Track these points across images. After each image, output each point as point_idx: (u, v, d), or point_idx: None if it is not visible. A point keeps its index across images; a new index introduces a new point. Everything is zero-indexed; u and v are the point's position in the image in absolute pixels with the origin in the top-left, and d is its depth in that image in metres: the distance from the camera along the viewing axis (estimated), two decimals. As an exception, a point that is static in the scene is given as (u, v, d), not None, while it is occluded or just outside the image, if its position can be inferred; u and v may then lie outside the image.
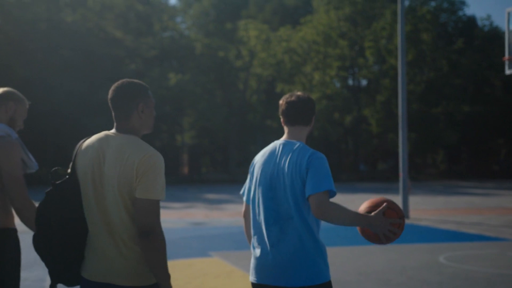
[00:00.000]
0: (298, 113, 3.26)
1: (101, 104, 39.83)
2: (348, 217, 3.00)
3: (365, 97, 46.16)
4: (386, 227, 3.03)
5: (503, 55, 9.03)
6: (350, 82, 49.44)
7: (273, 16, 52.80)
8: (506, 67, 10.24)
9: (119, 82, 2.81)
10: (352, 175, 47.18)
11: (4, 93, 3.69)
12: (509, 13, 10.32)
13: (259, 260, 3.19)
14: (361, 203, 22.20)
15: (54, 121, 40.70)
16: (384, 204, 3.07)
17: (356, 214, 3.02)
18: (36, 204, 3.26)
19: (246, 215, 3.45)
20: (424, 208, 20.02)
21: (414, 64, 44.30)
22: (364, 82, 49.08)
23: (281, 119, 3.34)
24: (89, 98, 40.60)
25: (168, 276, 2.65)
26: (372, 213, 3.04)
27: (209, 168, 58.39)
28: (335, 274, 8.06)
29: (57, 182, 2.82)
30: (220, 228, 14.37)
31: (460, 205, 21.28)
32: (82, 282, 2.79)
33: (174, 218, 16.62)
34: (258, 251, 3.20)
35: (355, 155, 49.29)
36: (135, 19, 46.20)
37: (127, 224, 2.66)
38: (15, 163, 3.46)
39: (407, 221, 15.89)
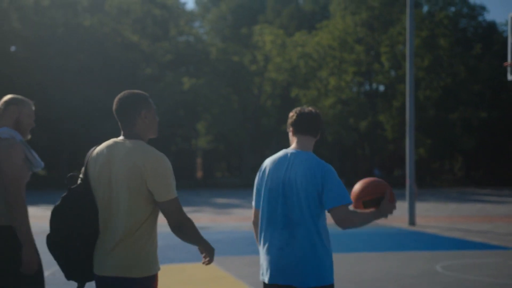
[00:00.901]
0: (310, 125, 3.56)
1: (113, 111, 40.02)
2: (366, 220, 3.44)
3: (381, 103, 45.87)
4: (392, 209, 3.55)
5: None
6: (366, 87, 49.17)
7: (290, 21, 52.74)
8: (509, 73, 10.07)
9: (121, 94, 3.10)
10: (367, 181, 46.83)
11: (5, 100, 3.96)
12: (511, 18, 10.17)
13: (269, 261, 3.44)
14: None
15: (70, 125, 41.01)
16: (387, 191, 3.53)
17: (371, 213, 3.46)
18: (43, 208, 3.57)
19: (256, 221, 3.64)
20: (433, 215, 19.79)
21: (430, 69, 43.91)
22: (379, 88, 48.79)
23: (291, 129, 3.61)
24: (105, 102, 40.77)
25: (207, 243, 3.15)
26: (380, 206, 3.50)
27: (224, 173, 58.45)
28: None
29: (72, 187, 3.09)
30: (223, 233, 14.31)
31: (472, 213, 21.01)
32: (95, 278, 3.05)
33: (178, 222, 16.55)
34: (267, 253, 3.45)
35: (370, 160, 48.97)
36: (152, 24, 46.43)
37: (130, 220, 2.95)
38: (15, 165, 3.68)
39: (412, 228, 15.70)
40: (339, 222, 3.38)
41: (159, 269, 3.05)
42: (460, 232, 14.54)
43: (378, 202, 3.51)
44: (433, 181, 48.37)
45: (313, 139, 3.59)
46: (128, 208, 2.95)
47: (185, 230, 3.00)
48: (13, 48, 43.23)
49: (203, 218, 18.41)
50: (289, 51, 44.61)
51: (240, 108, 45.47)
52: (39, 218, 16.32)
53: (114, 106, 3.09)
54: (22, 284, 3.71)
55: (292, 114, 3.61)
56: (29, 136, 3.99)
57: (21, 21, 41.28)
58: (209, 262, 3.23)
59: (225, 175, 56.84)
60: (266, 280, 3.46)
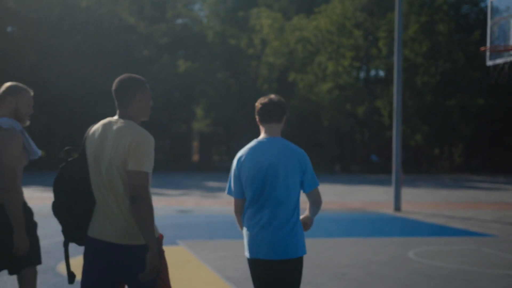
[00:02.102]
0: (273, 113, 3.86)
1: (111, 90, 39.86)
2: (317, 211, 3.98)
3: (378, 88, 45.61)
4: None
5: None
6: (363, 73, 48.88)
7: (290, 5, 52.28)
8: (487, 58, 9.88)
9: (121, 76, 3.40)
10: (364, 167, 46.76)
11: (4, 90, 4.18)
12: (491, 3, 9.95)
13: (252, 239, 3.78)
14: (363, 194, 21.65)
15: (65, 106, 40.86)
16: None
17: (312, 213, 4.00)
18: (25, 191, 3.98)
19: (240, 209, 3.92)
20: (421, 201, 19.69)
21: (429, 55, 43.59)
22: (378, 73, 48.49)
23: (257, 118, 3.93)
24: (100, 84, 40.63)
25: (154, 237, 3.17)
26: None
27: (223, 156, 58.36)
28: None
29: (69, 160, 3.44)
30: (203, 216, 14.23)
31: (461, 199, 20.89)
32: (87, 239, 3.36)
33: (161, 205, 16.49)
34: (250, 231, 3.79)
35: (367, 147, 48.80)
36: (149, 6, 46.11)
37: (123, 192, 3.24)
38: (12, 155, 3.96)
39: (396, 214, 15.61)
40: (314, 202, 3.89)
41: (158, 233, 3.30)
42: (443, 218, 14.44)
43: None
44: (431, 168, 48.22)
45: (279, 125, 3.89)
46: (122, 182, 3.23)
47: (141, 205, 3.13)
48: (9, 29, 42.99)
49: (188, 202, 18.33)
50: (287, 35, 44.30)
51: (237, 92, 45.27)
52: (36, 199, 16.31)
53: (113, 86, 3.39)
54: (34, 251, 4.17)
55: (257, 104, 3.92)
56: (28, 123, 4.24)
57: (17, 1, 40.97)
58: (150, 273, 3.18)
59: (223, 159, 56.76)
60: (249, 256, 3.80)
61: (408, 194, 22.46)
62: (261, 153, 3.79)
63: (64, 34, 41.04)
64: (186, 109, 46.82)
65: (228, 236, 10.93)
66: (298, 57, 44.52)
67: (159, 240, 3.30)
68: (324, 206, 16.50)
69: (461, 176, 41.37)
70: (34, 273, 4.25)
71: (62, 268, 7.74)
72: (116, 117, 3.39)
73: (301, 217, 3.93)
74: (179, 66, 42.43)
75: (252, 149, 3.84)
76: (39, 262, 4.27)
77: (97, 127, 3.40)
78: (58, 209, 3.43)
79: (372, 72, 48.82)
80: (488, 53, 9.99)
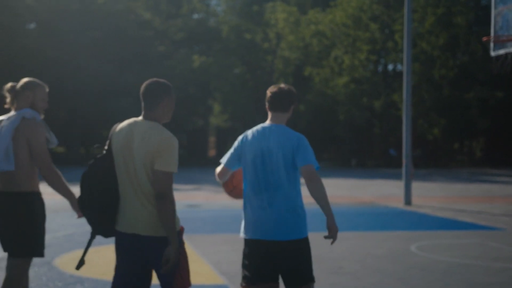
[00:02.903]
0: (281, 102, 4.07)
1: (127, 86, 40.03)
2: (325, 195, 3.88)
3: (396, 82, 45.21)
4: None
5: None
6: (380, 66, 48.48)
7: (306, -2, 52.00)
8: (491, 48, 9.71)
9: (150, 80, 3.64)
10: (381, 161, 46.42)
11: (21, 85, 4.55)
12: (495, -9, 9.78)
13: (253, 220, 3.96)
14: (376, 188, 21.35)
15: (81, 102, 41.09)
16: None
17: (329, 208, 3.93)
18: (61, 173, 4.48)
19: (221, 176, 4.19)
20: (433, 195, 19.49)
21: (446, 48, 43.08)
22: (396, 67, 48.03)
23: (267, 106, 4.14)
24: (116, 79, 40.85)
25: (175, 232, 3.46)
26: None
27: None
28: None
29: (98, 157, 3.68)
30: (210, 211, 14.23)
31: (476, 193, 20.64)
32: (116, 234, 3.62)
33: (170, 200, 16.49)
34: (252, 213, 3.96)
35: (385, 141, 48.43)
36: (165, 1, 46.19)
37: (148, 188, 3.50)
38: (41, 140, 4.38)
39: (406, 208, 15.46)
40: (307, 179, 3.90)
41: (179, 226, 3.59)
42: (452, 212, 14.27)
43: None
44: (449, 162, 47.70)
45: (285, 114, 4.09)
46: (145, 178, 3.50)
47: (165, 203, 3.43)
48: (31, 26, 43.34)
49: (198, 196, 18.34)
50: (302, 29, 44.09)
51: (253, 87, 45.19)
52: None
53: (141, 90, 3.64)
54: (39, 244, 4.43)
55: (267, 92, 4.13)
56: (42, 116, 4.59)
57: (36, -2, 41.28)
58: (169, 264, 3.42)
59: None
60: (249, 237, 3.97)
61: (422, 188, 22.27)
62: (262, 138, 4.01)
63: (82, 30, 41.26)
64: (203, 104, 46.84)
65: (231, 230, 10.91)
66: (313, 51, 44.29)
67: (180, 232, 3.58)
68: (333, 200, 16.40)
69: (480, 170, 40.88)
70: (28, 264, 4.47)
71: (58, 262, 7.78)
72: (141, 118, 3.63)
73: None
74: (194, 61, 42.46)
75: (255, 132, 4.06)
76: (42, 255, 4.48)
77: (122, 126, 3.64)
78: (84, 203, 3.66)
79: (389, 66, 48.39)
80: (492, 44, 9.83)
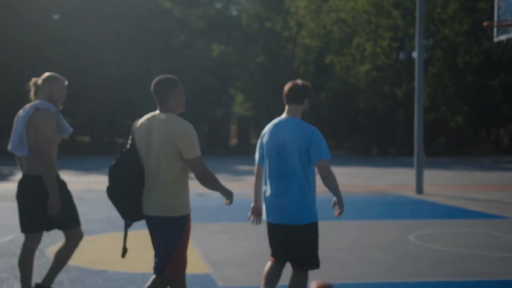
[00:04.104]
0: (295, 96, 4.60)
1: (149, 75, 40.20)
2: (338, 187, 4.47)
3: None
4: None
5: None
6: (402, 53, 47.92)
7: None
8: (495, 34, 9.48)
9: (157, 78, 4.12)
10: (404, 149, 45.96)
11: (42, 78, 5.05)
12: (498, -25, 9.53)
13: (270, 205, 4.56)
14: (392, 177, 21.06)
15: (104, 92, 41.44)
16: None
17: (339, 192, 4.49)
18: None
19: (258, 175, 4.75)
20: (447, 184, 19.23)
21: (470, 34, 42.40)
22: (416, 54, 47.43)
23: (284, 99, 4.67)
24: (137, 69, 41.06)
25: (224, 188, 4.08)
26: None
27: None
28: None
29: (123, 150, 4.12)
30: (217, 199, 14.22)
31: (493, 181, 20.32)
32: (145, 217, 4.12)
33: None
34: (269, 199, 4.55)
35: (407, 129, 47.88)
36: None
37: (168, 174, 3.97)
38: (48, 130, 4.82)
39: (417, 197, 15.29)
40: (322, 176, 4.44)
41: (190, 210, 4.07)
42: (463, 201, 14.06)
43: None
44: (473, 150, 47.06)
45: (299, 106, 4.61)
46: (167, 166, 3.97)
47: (207, 180, 3.98)
48: (55, 17, 43.71)
49: (210, 185, 18.32)
50: (323, 17, 43.75)
51: (274, 75, 45.04)
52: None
53: (152, 87, 4.09)
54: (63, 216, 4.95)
55: (284, 88, 4.64)
56: (61, 107, 5.09)
57: (57, -11, 41.60)
58: (229, 203, 4.14)
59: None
60: (268, 220, 4.60)
61: (439, 176, 22.01)
62: (278, 130, 4.55)
63: (104, 21, 41.52)
64: (224, 93, 46.83)
65: (232, 219, 10.89)
66: (334, 39, 43.95)
67: (186, 217, 4.04)
68: (345, 189, 16.30)
69: (505, 158, 40.24)
70: (80, 234, 5.12)
71: (50, 250, 7.84)
72: (158, 112, 4.09)
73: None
74: (213, 50, 42.45)
75: (272, 126, 4.61)
76: (78, 224, 5.11)
77: (142, 120, 4.12)
78: (112, 193, 4.11)
79: (412, 54, 47.75)
80: (495, 30, 9.61)
